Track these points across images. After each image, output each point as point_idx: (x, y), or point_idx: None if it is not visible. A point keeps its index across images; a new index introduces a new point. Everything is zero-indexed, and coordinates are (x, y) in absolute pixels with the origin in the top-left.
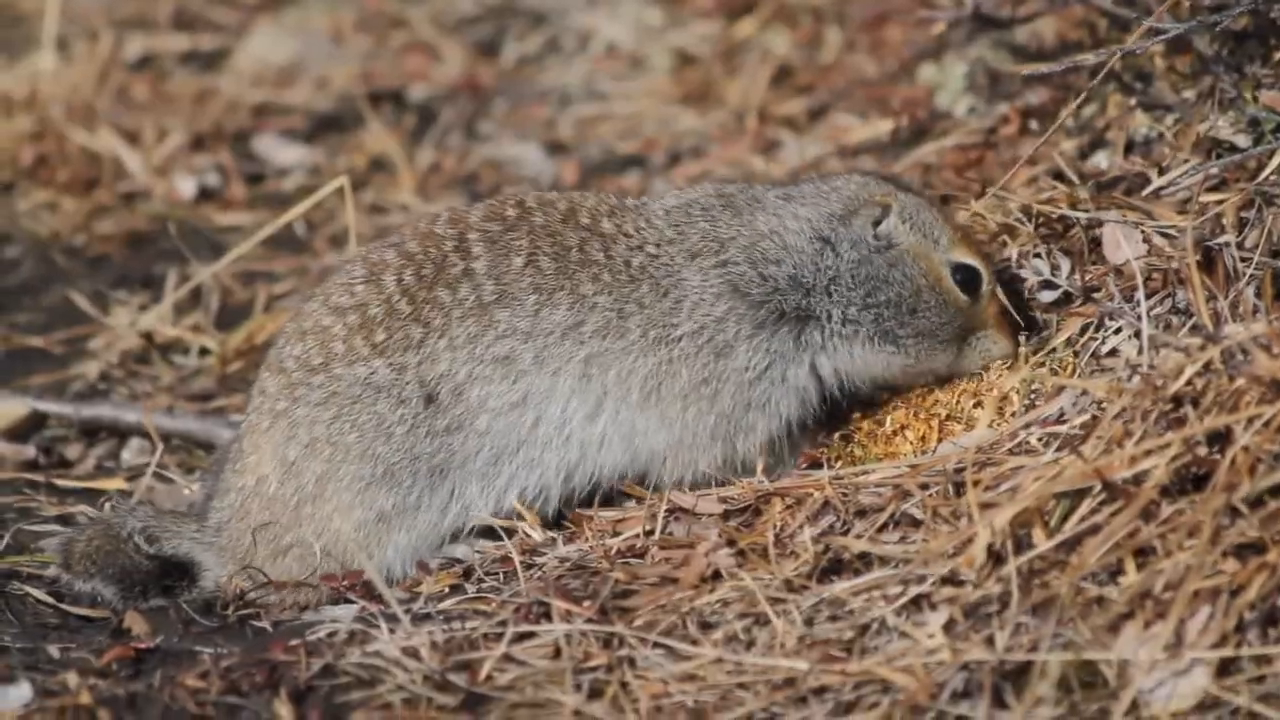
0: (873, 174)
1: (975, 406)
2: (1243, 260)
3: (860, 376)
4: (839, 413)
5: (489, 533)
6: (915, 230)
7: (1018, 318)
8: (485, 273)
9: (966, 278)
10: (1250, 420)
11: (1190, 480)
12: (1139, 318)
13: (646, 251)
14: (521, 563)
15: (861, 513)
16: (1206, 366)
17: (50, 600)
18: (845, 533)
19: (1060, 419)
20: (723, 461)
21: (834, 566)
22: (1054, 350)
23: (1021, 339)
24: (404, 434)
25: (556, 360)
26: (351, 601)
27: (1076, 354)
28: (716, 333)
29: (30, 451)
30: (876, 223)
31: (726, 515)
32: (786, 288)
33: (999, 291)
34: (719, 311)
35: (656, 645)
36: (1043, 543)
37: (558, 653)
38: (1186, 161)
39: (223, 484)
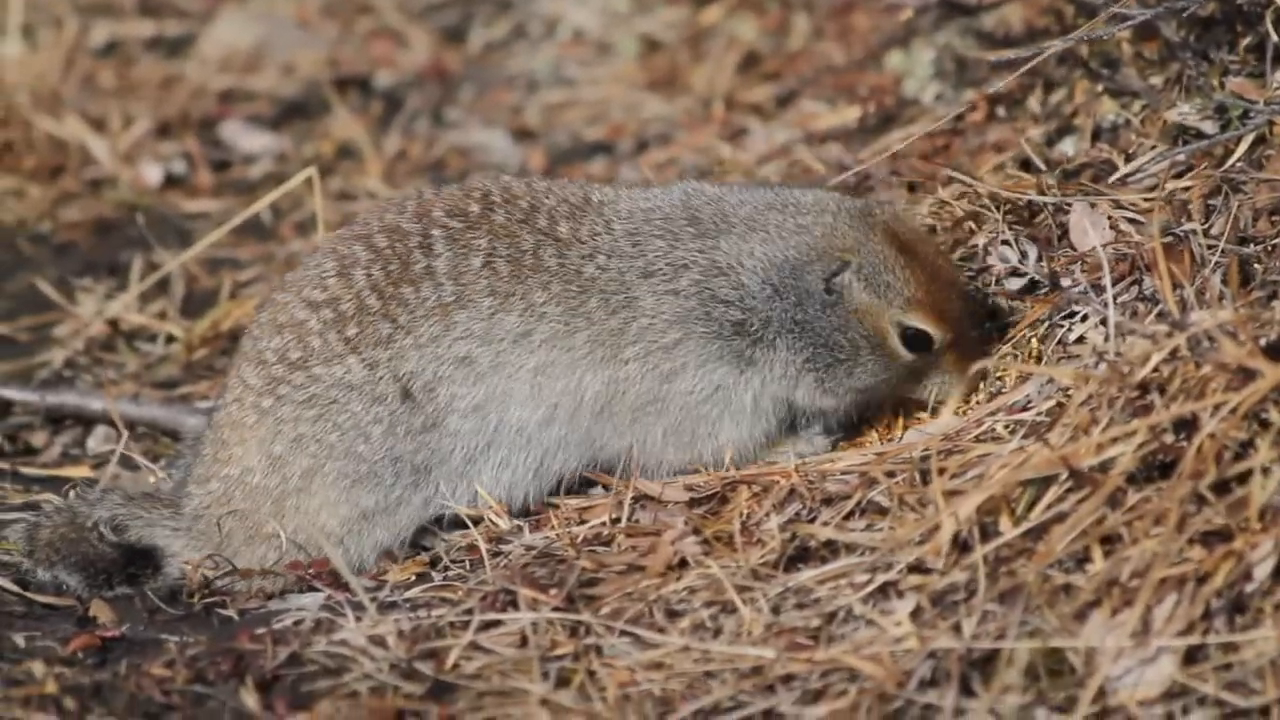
0: (849, 204)
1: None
2: (1209, 247)
3: (802, 410)
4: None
5: (455, 521)
6: (869, 290)
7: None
8: (445, 272)
9: (917, 340)
10: (1217, 407)
11: (1157, 467)
12: (1106, 305)
13: (597, 263)
14: (488, 551)
15: (828, 500)
16: (1173, 354)
17: (15, 589)
18: (812, 520)
19: (1026, 406)
20: (685, 462)
21: (801, 554)
22: (1020, 337)
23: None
24: (382, 434)
25: (509, 366)
26: (317, 590)
27: (1043, 341)
28: (663, 360)
29: None
30: (830, 276)
31: (693, 503)
32: (731, 333)
33: (964, 331)
34: (668, 340)
35: (623, 633)
36: (1009, 531)
37: (524, 641)
38: (1154, 148)
39: (201, 471)
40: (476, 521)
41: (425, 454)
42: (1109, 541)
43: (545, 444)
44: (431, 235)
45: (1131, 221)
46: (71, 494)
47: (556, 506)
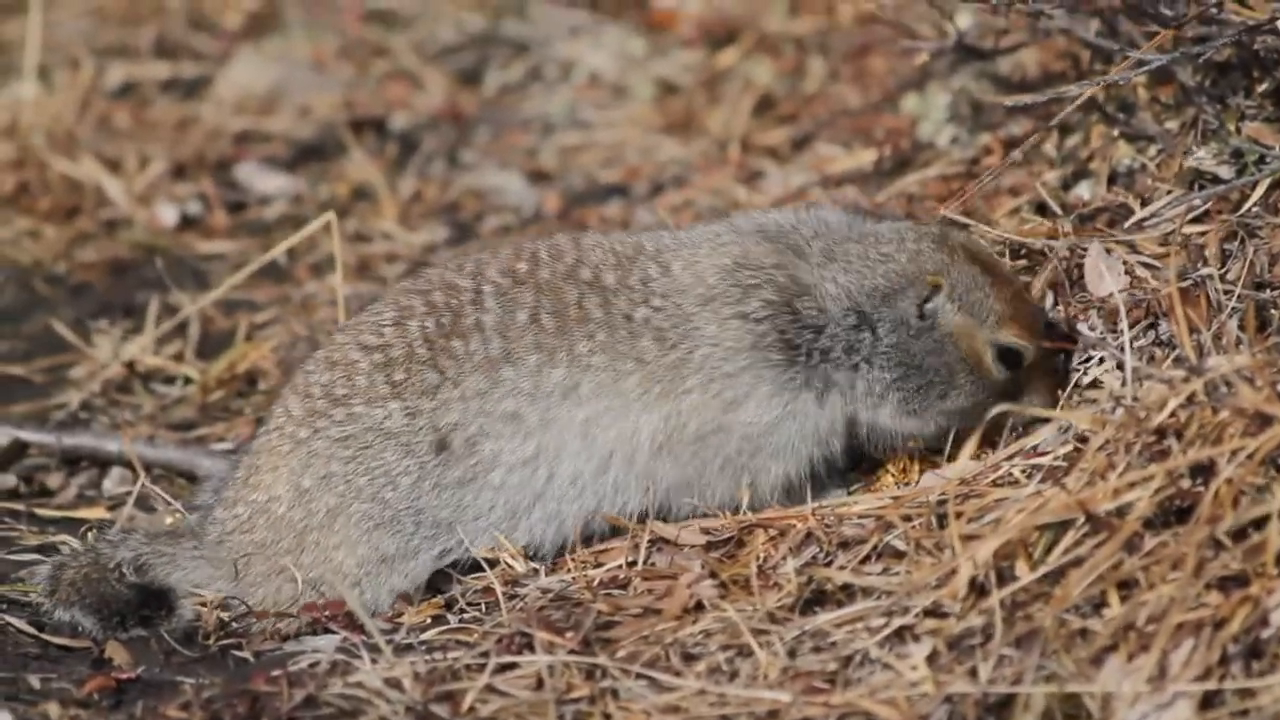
0: (926, 230)
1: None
2: (1225, 292)
3: (886, 434)
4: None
5: (471, 564)
6: (963, 311)
7: (1054, 373)
8: (493, 327)
9: (1009, 358)
10: (1234, 453)
11: (1174, 512)
12: (1122, 349)
13: (651, 304)
14: (503, 594)
15: (844, 544)
16: (1190, 399)
17: (31, 630)
18: (828, 564)
19: (1043, 451)
20: (736, 498)
21: (817, 598)
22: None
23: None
24: (409, 485)
25: (559, 422)
26: (333, 631)
27: (1060, 386)
28: (727, 387)
29: (11, 480)
30: (923, 302)
31: (709, 546)
32: (812, 360)
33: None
34: (734, 367)
35: (639, 676)
36: (1026, 575)
37: (540, 684)
38: (1169, 193)
39: (230, 494)
40: (492, 564)
41: (451, 510)
42: (1126, 586)
43: (601, 492)
44: (483, 292)
45: (1147, 266)
46: (93, 535)
47: (572, 550)
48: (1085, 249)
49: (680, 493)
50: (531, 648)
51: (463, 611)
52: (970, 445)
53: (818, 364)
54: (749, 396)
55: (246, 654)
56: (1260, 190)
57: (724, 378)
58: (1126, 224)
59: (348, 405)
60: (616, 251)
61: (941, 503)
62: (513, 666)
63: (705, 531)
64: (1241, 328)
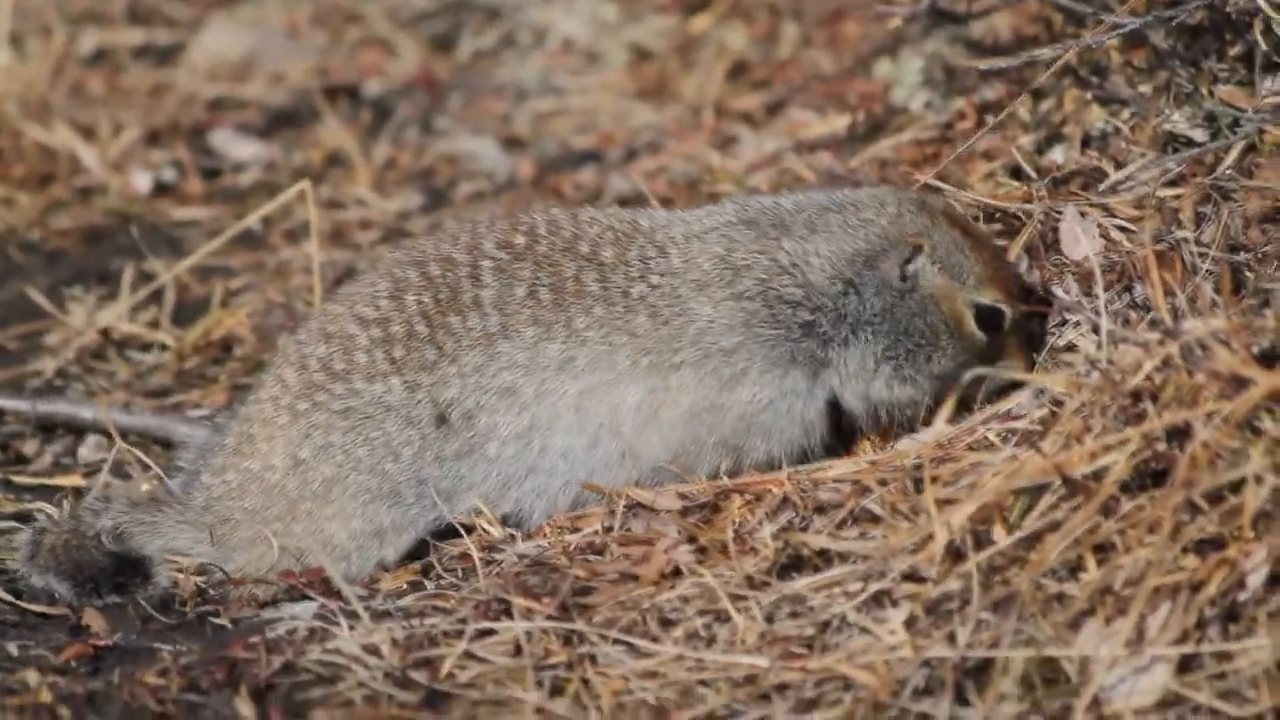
0: (905, 195)
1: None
2: (1200, 255)
3: (877, 406)
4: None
5: (447, 530)
6: (943, 272)
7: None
8: (491, 302)
9: (989, 319)
10: (1209, 415)
11: (1150, 476)
12: (1097, 313)
13: (649, 281)
14: (480, 559)
15: (821, 509)
16: (1165, 362)
17: (8, 598)
18: (805, 529)
19: (1018, 415)
20: (721, 473)
21: (794, 563)
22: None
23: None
24: (411, 456)
25: (554, 395)
26: (310, 598)
27: (1035, 348)
28: (723, 364)
29: None
30: (905, 263)
31: (685, 512)
32: (801, 335)
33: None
34: (729, 343)
35: (617, 642)
36: (1003, 539)
37: (518, 650)
38: (1143, 156)
39: (219, 461)
40: (469, 530)
41: (452, 480)
42: (1102, 550)
43: (590, 466)
44: (480, 266)
45: (1122, 229)
46: (75, 503)
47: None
48: (1060, 213)
49: (664, 471)
50: (509, 614)
51: (440, 578)
52: (946, 410)
53: (802, 341)
54: (746, 373)
55: (224, 621)
56: (1234, 153)
57: (720, 354)
58: (1101, 187)
59: (347, 380)
60: (614, 228)
61: (917, 467)
62: (490, 633)
63: (682, 496)
64: (1216, 290)
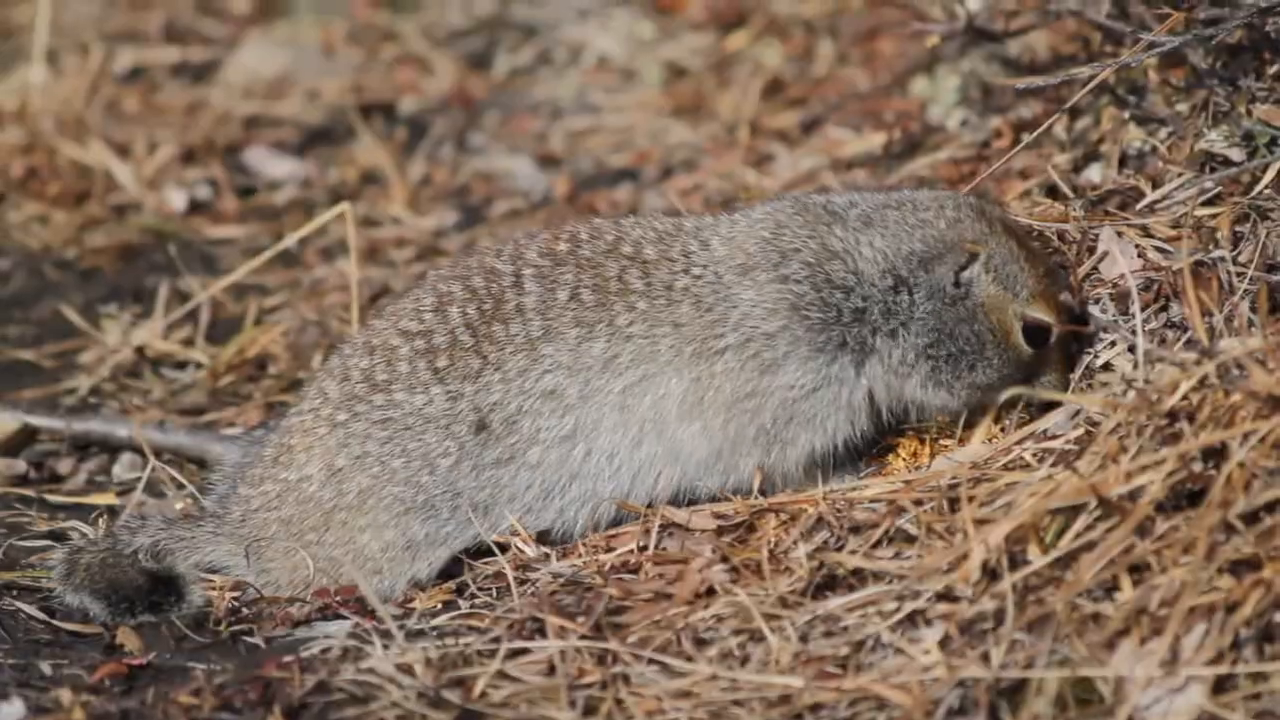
0: (965, 200)
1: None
2: (1238, 274)
3: (914, 407)
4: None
5: (481, 549)
6: (997, 282)
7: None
8: (534, 308)
9: (1036, 333)
10: (1246, 436)
11: (1186, 496)
12: (1134, 332)
13: (692, 274)
14: (515, 579)
15: (856, 529)
16: (1202, 382)
17: (42, 616)
18: (839, 549)
19: (1054, 434)
20: (761, 468)
21: (828, 583)
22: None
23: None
24: (448, 467)
25: (599, 394)
26: (344, 617)
27: (1071, 369)
28: (764, 348)
29: (21, 466)
30: (960, 269)
31: (720, 531)
32: (850, 320)
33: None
34: (771, 327)
35: (651, 662)
36: (1038, 559)
37: (552, 669)
38: (1181, 175)
39: (257, 472)
40: (504, 549)
41: (490, 491)
42: (1138, 570)
43: (635, 467)
44: (523, 275)
45: (1159, 249)
46: (109, 521)
47: (584, 534)
48: (1097, 232)
49: (708, 468)
50: (543, 633)
51: (474, 597)
52: (982, 429)
53: (854, 326)
54: (788, 358)
55: (258, 640)
56: (1272, 172)
57: (762, 337)
58: (1138, 207)
59: (388, 391)
60: (656, 229)
61: (953, 486)
62: (524, 652)
63: (716, 516)
64: (1253, 310)
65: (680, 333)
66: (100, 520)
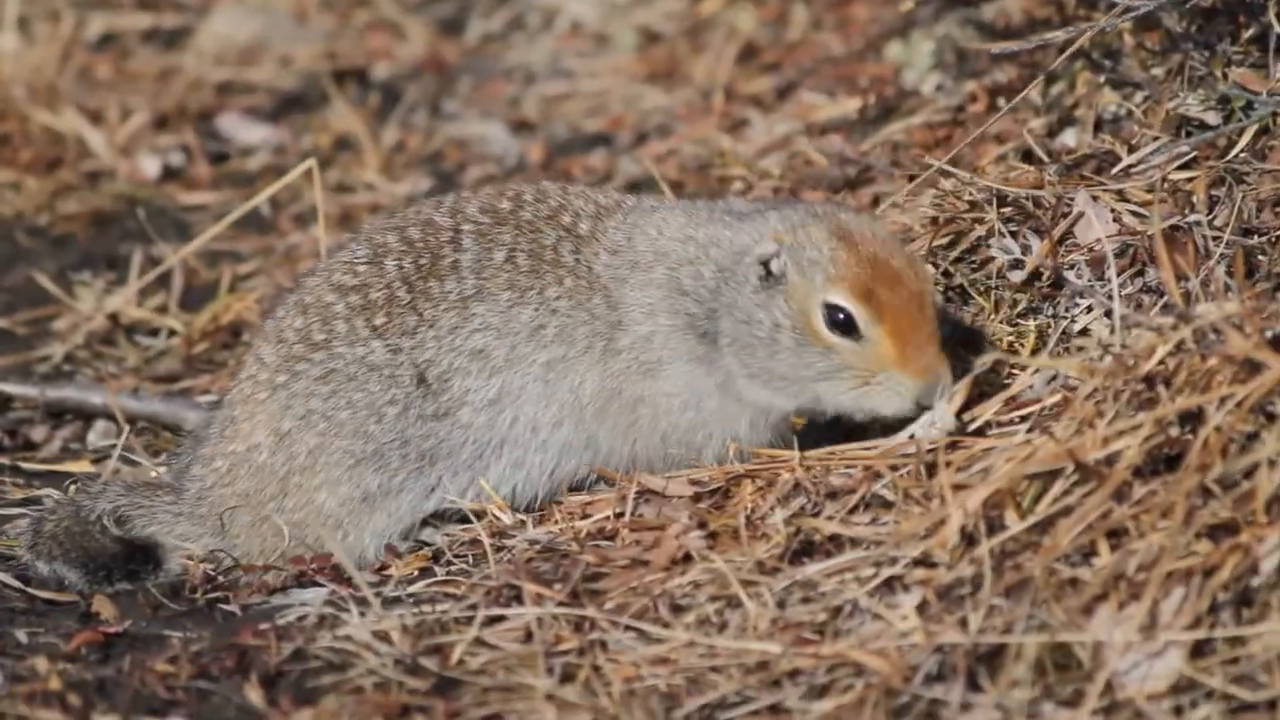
0: (819, 205)
1: None
2: (1213, 238)
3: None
4: None
5: (457, 515)
6: (797, 269)
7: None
8: (470, 266)
9: (841, 318)
10: (1223, 400)
11: (1163, 461)
12: (1110, 297)
13: (602, 260)
14: (491, 546)
15: (832, 494)
16: (1179, 346)
17: (17, 585)
18: (816, 514)
19: (1029, 399)
20: (684, 464)
21: (805, 548)
22: (1024, 330)
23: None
24: (395, 415)
25: (523, 361)
26: (321, 585)
27: (1046, 334)
28: (644, 351)
29: None
30: (765, 261)
31: (697, 497)
32: (685, 324)
33: (912, 333)
34: (645, 330)
35: (628, 628)
36: (1015, 524)
37: (529, 636)
38: (1156, 139)
39: (207, 450)
40: (479, 516)
41: (433, 442)
42: (1115, 535)
43: (558, 445)
44: (461, 230)
45: (1134, 213)
46: (74, 488)
47: (560, 501)
48: (1072, 197)
49: (624, 469)
50: (520, 600)
51: (450, 564)
52: (956, 401)
53: (692, 332)
54: (660, 364)
55: (234, 607)
56: (1247, 136)
57: (641, 341)
58: (1113, 171)
59: (328, 348)
60: (599, 203)
61: (930, 452)
62: (501, 619)
63: (693, 482)
64: (1230, 274)
65: (593, 325)
66: (69, 488)
